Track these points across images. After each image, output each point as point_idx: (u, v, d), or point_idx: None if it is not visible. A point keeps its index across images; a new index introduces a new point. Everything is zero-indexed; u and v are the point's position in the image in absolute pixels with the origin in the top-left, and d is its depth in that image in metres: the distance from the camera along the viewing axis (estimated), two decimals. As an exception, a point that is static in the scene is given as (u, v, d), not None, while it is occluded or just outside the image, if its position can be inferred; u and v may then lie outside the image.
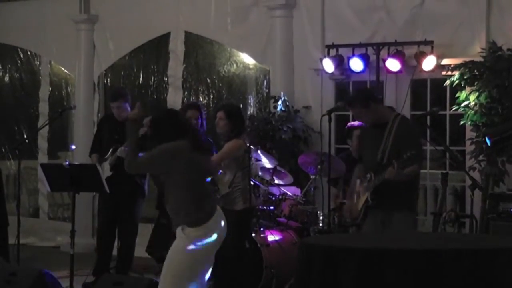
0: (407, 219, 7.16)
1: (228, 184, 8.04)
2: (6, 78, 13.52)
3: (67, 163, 8.02)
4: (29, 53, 13.21)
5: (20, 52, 13.28)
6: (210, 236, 6.13)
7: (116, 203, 8.93)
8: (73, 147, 11.85)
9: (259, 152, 8.89)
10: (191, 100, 11.54)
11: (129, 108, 9.12)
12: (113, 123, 9.15)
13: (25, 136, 12.98)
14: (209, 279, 8.23)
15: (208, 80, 11.68)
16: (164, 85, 11.96)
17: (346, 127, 9.20)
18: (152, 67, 12.13)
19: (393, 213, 7.10)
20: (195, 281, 6.16)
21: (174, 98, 11.73)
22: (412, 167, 6.94)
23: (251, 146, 7.95)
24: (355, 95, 7.72)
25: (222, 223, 6.23)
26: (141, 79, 12.23)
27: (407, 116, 9.79)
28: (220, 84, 11.63)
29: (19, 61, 13.35)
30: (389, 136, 7.10)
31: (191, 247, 6.11)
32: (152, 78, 12.14)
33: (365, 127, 7.69)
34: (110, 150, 8.93)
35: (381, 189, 7.05)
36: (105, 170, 8.81)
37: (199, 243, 6.12)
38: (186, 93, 11.73)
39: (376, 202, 7.11)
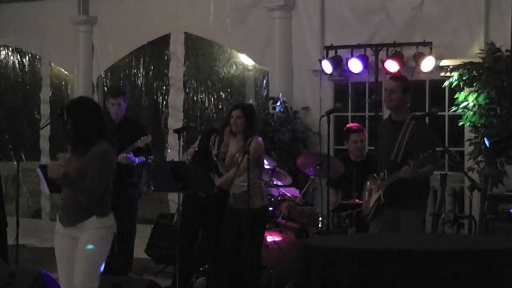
0: (416, 217, 7.21)
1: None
2: (9, 80, 13.53)
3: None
4: (29, 54, 13.22)
5: (21, 54, 13.29)
6: None
7: (112, 205, 8.88)
8: (72, 148, 11.85)
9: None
10: (193, 101, 11.58)
11: (125, 108, 9.06)
12: (109, 124, 9.09)
13: (27, 137, 13.03)
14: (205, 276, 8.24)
15: (209, 82, 11.69)
16: (164, 87, 11.96)
17: (344, 129, 9.20)
18: (152, 68, 12.14)
19: (402, 211, 7.15)
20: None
21: (176, 100, 11.73)
22: (427, 167, 7.00)
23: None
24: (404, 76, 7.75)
25: None
26: (141, 80, 12.23)
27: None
28: (220, 85, 11.63)
29: (20, 63, 13.36)
30: (404, 135, 7.13)
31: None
32: (152, 79, 12.15)
33: (384, 122, 7.68)
34: None
35: (393, 187, 7.10)
36: None
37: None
38: (187, 94, 11.73)
39: (388, 200, 7.15)
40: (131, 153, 8.71)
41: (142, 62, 12.21)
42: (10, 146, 11.47)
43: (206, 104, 11.68)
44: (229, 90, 11.59)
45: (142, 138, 8.69)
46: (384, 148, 7.33)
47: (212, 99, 11.61)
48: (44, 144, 12.83)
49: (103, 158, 5.97)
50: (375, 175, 7.43)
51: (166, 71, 11.91)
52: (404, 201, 7.14)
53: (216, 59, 11.63)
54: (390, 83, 7.41)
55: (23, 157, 12.51)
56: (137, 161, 8.74)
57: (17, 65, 13.40)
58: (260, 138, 7.95)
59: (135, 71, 12.28)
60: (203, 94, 11.71)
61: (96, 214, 6.04)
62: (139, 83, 12.25)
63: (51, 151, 12.82)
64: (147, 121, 12.04)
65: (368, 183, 7.58)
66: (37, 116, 13.07)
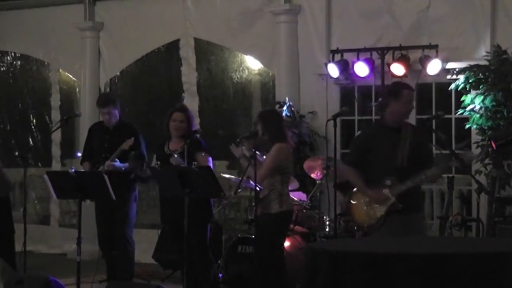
0: (423, 219, 7.35)
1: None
2: (17, 86, 13.56)
3: (73, 170, 8.01)
4: (37, 60, 13.25)
5: (29, 60, 13.32)
6: None
7: (110, 211, 8.86)
8: (79, 154, 11.87)
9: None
10: (205, 106, 11.62)
11: (118, 115, 9.07)
12: (103, 131, 9.09)
13: (31, 143, 13.05)
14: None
15: (221, 87, 11.72)
16: (176, 92, 11.93)
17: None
18: (164, 73, 12.16)
19: (412, 215, 7.11)
20: None
21: (191, 104, 11.71)
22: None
23: (257, 152, 7.88)
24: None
25: None
26: (152, 86, 12.26)
27: (413, 120, 9.83)
28: (233, 90, 11.66)
29: (29, 69, 13.40)
30: (405, 142, 7.09)
31: None
32: (164, 85, 12.17)
33: (376, 130, 7.59)
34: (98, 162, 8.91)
35: (404, 193, 7.06)
36: None
37: None
38: (201, 99, 11.74)
39: (403, 206, 7.10)
40: (117, 160, 8.70)
41: (153, 67, 12.22)
42: (17, 154, 11.51)
43: (220, 109, 11.71)
44: (240, 94, 11.60)
45: (127, 141, 8.71)
46: (385, 155, 7.21)
47: (225, 103, 11.65)
48: (56, 150, 12.86)
49: None
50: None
51: (178, 76, 11.89)
52: (414, 205, 7.10)
53: (228, 64, 11.65)
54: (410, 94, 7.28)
55: (32, 162, 12.56)
56: (123, 167, 8.74)
57: (25, 72, 13.44)
58: (282, 145, 7.83)
59: (147, 76, 12.29)
60: (217, 99, 11.73)
61: None
62: (152, 88, 12.27)
63: (62, 157, 12.85)
64: (161, 127, 12.05)
65: (351, 197, 7.42)
66: (48, 122, 13.09)
